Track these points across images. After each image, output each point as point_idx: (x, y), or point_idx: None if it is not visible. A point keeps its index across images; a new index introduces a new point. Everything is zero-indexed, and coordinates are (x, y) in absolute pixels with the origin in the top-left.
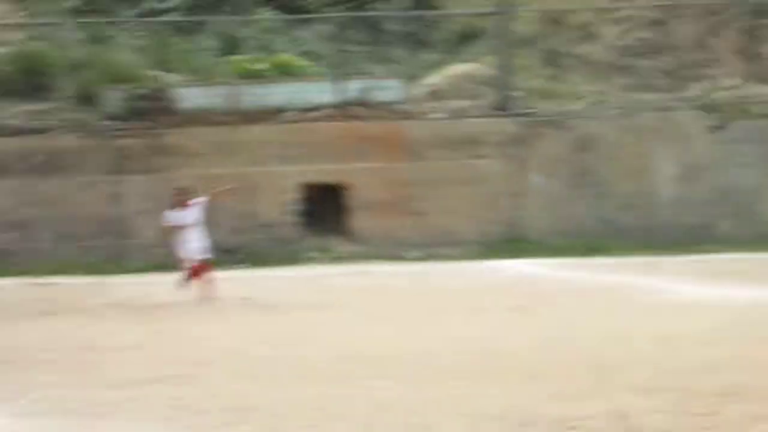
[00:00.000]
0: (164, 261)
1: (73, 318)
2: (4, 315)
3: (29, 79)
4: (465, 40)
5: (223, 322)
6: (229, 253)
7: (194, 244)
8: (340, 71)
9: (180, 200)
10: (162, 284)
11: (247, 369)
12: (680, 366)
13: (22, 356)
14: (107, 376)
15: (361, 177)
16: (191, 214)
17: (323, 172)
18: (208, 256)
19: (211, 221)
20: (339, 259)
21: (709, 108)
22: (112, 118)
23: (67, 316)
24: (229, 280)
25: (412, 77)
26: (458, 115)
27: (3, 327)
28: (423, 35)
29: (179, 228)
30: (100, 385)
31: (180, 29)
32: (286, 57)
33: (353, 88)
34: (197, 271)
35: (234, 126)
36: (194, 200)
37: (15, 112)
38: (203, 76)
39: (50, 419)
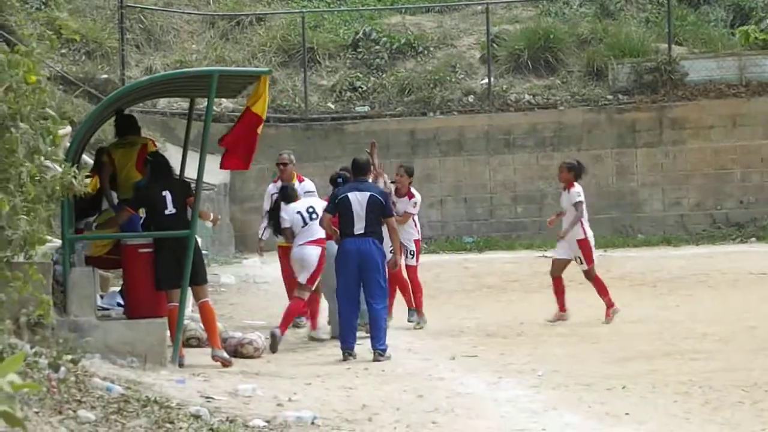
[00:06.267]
0: (672, 234)
1: (583, 291)
2: (512, 287)
3: (539, 55)
4: None
5: (733, 298)
6: (737, 227)
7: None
8: None
9: (565, 178)
10: (667, 258)
11: (765, 346)
12: None
13: (534, 330)
14: (618, 349)
15: None
16: (568, 197)
17: None
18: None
19: (720, 194)
20: None
21: None
22: (620, 91)
23: (575, 289)
24: (739, 253)
25: None
26: None
27: (516, 299)
28: None
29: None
30: (612, 359)
31: (687, 1)
32: None
33: None
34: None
35: (742, 98)
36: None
37: (525, 87)
38: (711, 48)
39: (566, 391)
